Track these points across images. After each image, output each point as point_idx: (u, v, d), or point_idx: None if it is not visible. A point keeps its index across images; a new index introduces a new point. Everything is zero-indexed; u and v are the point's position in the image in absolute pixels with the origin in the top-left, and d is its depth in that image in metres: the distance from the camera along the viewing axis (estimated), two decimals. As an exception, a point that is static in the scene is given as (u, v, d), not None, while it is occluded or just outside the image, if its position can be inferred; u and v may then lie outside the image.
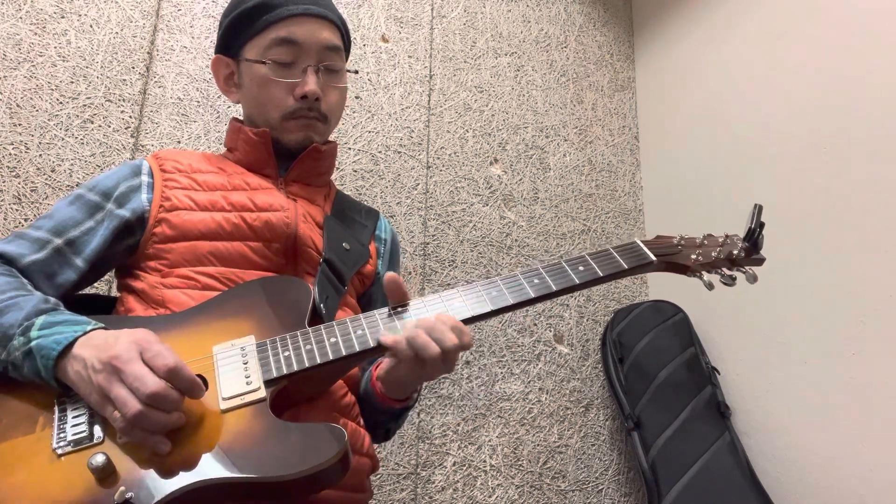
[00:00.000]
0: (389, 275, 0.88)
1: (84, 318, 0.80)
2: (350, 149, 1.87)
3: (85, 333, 0.76)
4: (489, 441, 1.85)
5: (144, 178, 0.98)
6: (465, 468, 1.79)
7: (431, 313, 0.86)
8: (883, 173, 1.65)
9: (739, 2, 2.18)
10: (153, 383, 0.69)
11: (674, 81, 2.41)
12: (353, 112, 1.90)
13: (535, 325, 2.04)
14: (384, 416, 1.03)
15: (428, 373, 0.84)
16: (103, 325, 0.79)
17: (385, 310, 0.87)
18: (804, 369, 1.75)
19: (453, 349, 0.81)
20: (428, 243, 1.92)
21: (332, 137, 1.13)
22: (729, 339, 2.00)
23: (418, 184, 1.96)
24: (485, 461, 1.83)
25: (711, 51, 2.26)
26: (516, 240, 2.09)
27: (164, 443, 0.71)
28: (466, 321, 0.86)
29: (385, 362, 0.91)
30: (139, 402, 0.68)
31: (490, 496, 1.80)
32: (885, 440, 1.55)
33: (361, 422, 1.00)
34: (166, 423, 0.70)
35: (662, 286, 2.29)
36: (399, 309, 0.87)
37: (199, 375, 0.75)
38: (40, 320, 0.77)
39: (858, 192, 1.70)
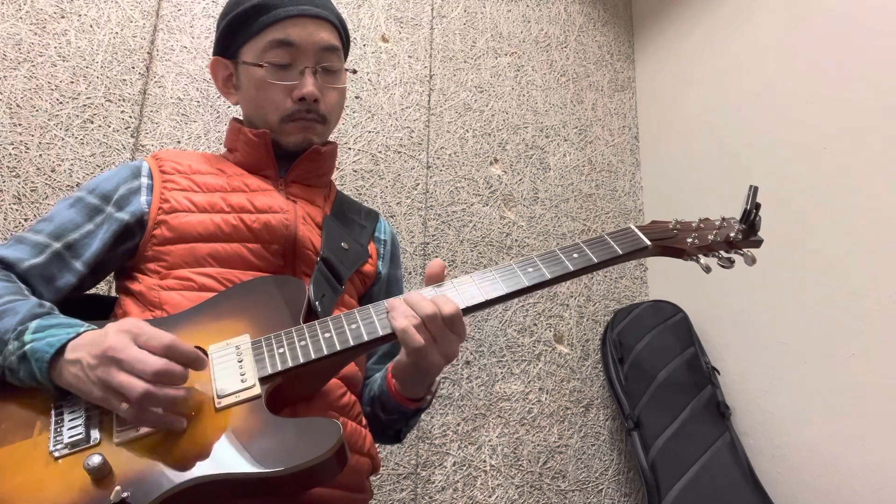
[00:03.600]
0: (435, 262, 0.89)
1: (77, 321, 0.80)
2: (350, 149, 1.87)
3: (77, 335, 0.76)
4: (489, 441, 1.85)
5: (144, 180, 0.98)
6: (465, 468, 1.79)
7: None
8: (884, 172, 1.65)
9: (739, 2, 2.17)
10: (154, 362, 0.70)
11: (674, 81, 2.41)
12: (353, 112, 1.90)
13: (535, 325, 2.04)
14: (396, 416, 1.02)
15: (429, 360, 0.82)
16: (96, 328, 0.79)
17: (381, 303, 0.87)
18: (804, 369, 1.75)
19: (431, 317, 0.81)
20: (428, 243, 1.92)
21: (331, 137, 1.13)
22: (729, 339, 2.00)
23: (418, 184, 1.96)
24: (485, 461, 1.83)
25: (711, 51, 2.25)
26: (516, 240, 2.09)
27: (179, 420, 0.72)
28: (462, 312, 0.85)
29: (396, 357, 0.91)
30: (144, 381, 0.69)
31: (490, 496, 1.80)
32: (884, 440, 1.55)
33: (363, 421, 1.00)
34: (175, 398, 0.71)
35: (662, 286, 2.29)
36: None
37: (198, 347, 0.75)
38: (34, 324, 0.77)
39: (859, 191, 1.70)
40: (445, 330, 0.82)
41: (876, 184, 1.66)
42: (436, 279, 0.89)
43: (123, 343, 0.71)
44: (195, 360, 0.73)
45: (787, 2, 2.00)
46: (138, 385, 0.69)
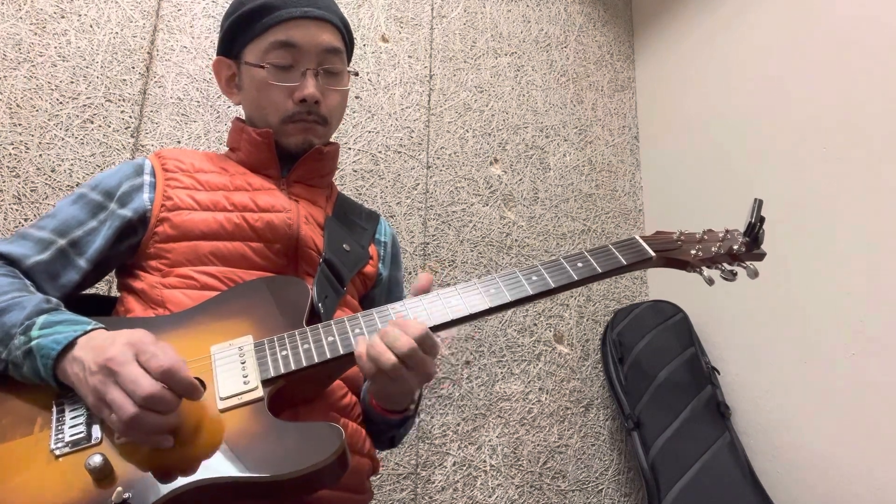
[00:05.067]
0: (423, 276, 0.88)
1: (84, 318, 0.79)
2: (350, 149, 1.87)
3: (85, 333, 0.76)
4: (489, 441, 1.85)
5: (147, 178, 0.98)
6: (465, 468, 1.79)
7: (427, 312, 0.85)
8: (883, 172, 1.65)
9: (739, 2, 2.17)
10: (148, 386, 0.68)
11: (674, 81, 2.41)
12: (353, 112, 1.90)
13: (535, 325, 2.04)
14: (384, 427, 1.02)
15: (400, 384, 0.80)
16: (103, 326, 0.79)
17: (385, 307, 0.87)
18: (804, 369, 1.75)
19: (408, 354, 0.77)
20: (428, 243, 1.92)
21: (331, 138, 1.13)
22: (729, 339, 2.00)
23: (418, 184, 1.96)
24: (485, 461, 1.82)
25: (711, 51, 2.25)
26: (516, 240, 2.09)
27: (167, 439, 0.71)
28: (464, 319, 0.85)
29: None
30: (134, 404, 0.68)
31: (490, 496, 1.80)
32: (884, 440, 1.55)
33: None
34: (162, 425, 0.70)
35: (662, 286, 2.29)
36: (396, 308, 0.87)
37: (196, 378, 0.74)
38: (41, 320, 0.77)
39: (859, 191, 1.70)
40: (419, 357, 0.78)
41: (876, 184, 1.66)
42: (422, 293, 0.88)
43: (125, 357, 0.70)
44: (191, 391, 0.72)
45: (788, 2, 2.00)
46: (128, 407, 0.68)
